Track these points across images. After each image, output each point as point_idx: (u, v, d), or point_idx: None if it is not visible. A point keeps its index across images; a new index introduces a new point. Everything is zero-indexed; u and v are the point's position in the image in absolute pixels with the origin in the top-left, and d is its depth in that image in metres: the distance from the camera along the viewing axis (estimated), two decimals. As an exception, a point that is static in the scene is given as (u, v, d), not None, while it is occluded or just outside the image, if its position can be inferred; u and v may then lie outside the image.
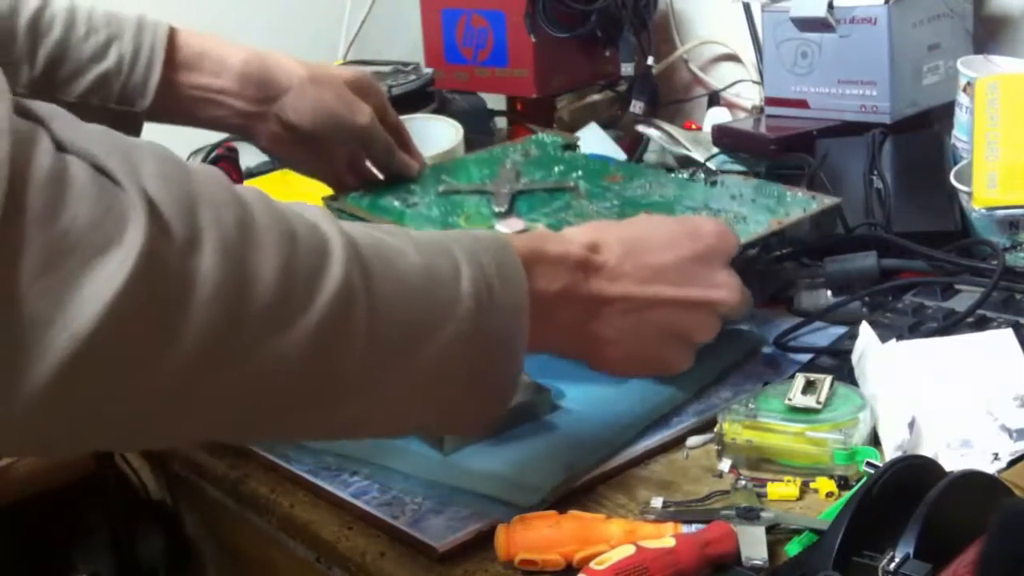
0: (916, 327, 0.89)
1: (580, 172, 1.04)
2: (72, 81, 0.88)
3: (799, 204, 0.95)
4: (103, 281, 0.42)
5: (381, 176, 1.03)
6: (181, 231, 0.46)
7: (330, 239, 0.53)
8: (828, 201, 0.97)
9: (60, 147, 0.44)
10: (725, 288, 0.74)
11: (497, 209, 0.95)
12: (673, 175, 1.05)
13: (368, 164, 1.03)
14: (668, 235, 0.74)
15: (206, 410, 0.49)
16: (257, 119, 0.93)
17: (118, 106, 0.89)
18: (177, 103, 0.91)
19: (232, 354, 0.47)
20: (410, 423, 0.63)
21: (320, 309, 0.50)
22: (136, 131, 0.93)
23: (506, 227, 0.92)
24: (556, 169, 1.05)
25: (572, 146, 1.13)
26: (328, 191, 1.03)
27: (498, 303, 0.59)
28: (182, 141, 1.20)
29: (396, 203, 0.98)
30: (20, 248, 0.41)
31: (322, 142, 0.96)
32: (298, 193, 1.32)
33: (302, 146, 0.96)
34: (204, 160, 1.09)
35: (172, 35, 0.91)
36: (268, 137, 0.95)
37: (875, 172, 1.09)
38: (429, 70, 1.54)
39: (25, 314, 0.41)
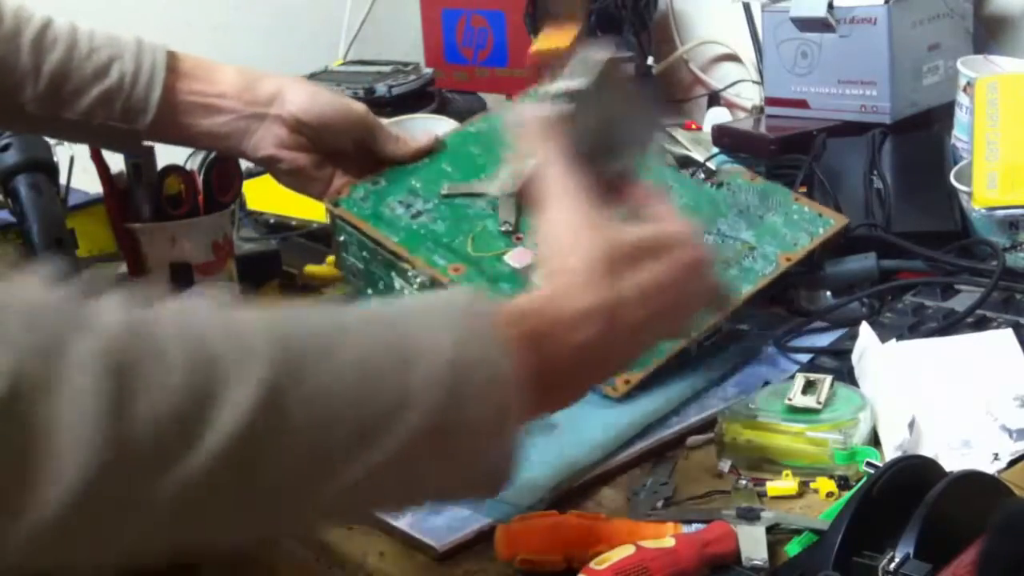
0: (916, 327, 0.89)
1: None
2: (76, 99, 0.89)
3: (806, 226, 0.95)
4: None
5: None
6: (36, 378, 0.44)
7: (233, 359, 0.48)
8: (836, 223, 0.96)
9: None
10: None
11: (503, 227, 0.93)
12: (674, 170, 1.03)
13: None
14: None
15: (123, 545, 0.47)
16: (257, 121, 0.93)
17: (120, 124, 0.90)
18: (177, 114, 0.92)
19: (119, 496, 0.45)
20: (386, 509, 0.60)
21: (220, 441, 0.46)
22: (137, 148, 0.94)
23: (515, 261, 0.90)
24: None
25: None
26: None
27: (469, 389, 0.53)
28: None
29: (400, 211, 0.96)
30: None
31: (324, 141, 0.96)
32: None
33: (302, 150, 0.95)
34: (204, 160, 1.09)
35: (171, 54, 0.93)
36: (271, 140, 0.94)
37: (875, 172, 1.09)
38: (429, 70, 1.54)
39: None
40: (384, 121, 1.02)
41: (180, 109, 0.92)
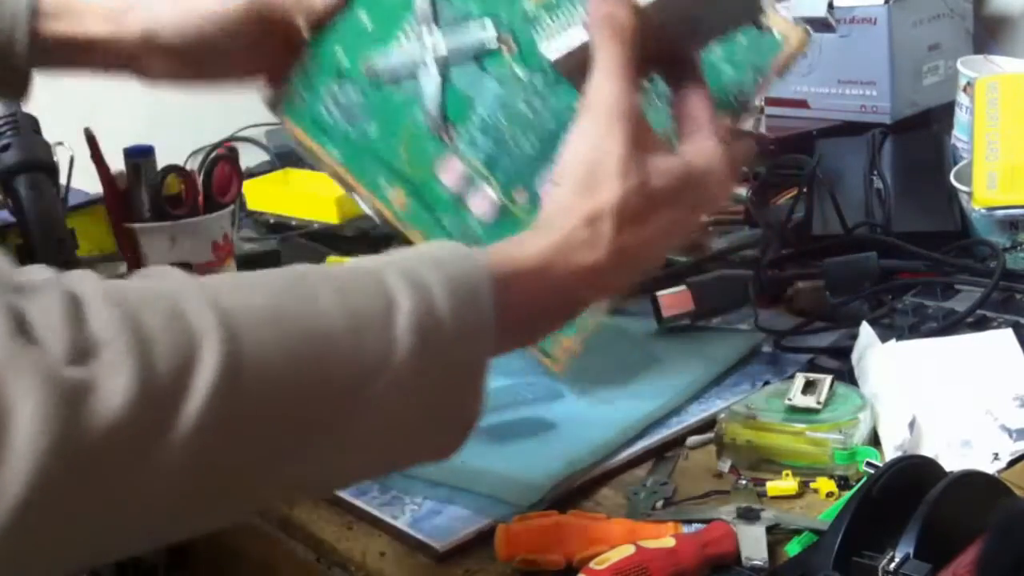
0: (916, 327, 0.89)
1: None
2: None
3: (752, 56, 0.74)
4: None
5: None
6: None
7: (198, 329, 0.46)
8: (790, 41, 0.74)
9: None
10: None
11: (430, 123, 0.81)
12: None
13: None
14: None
15: (96, 533, 0.46)
16: (136, 60, 0.85)
17: None
18: (53, 59, 0.85)
19: (79, 486, 0.43)
20: (361, 475, 0.59)
21: (193, 416, 0.45)
22: (23, 90, 0.86)
23: (448, 178, 0.79)
24: None
25: None
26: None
27: (448, 333, 0.53)
28: (182, 141, 1.20)
29: (335, 110, 0.84)
30: None
31: (220, 54, 0.85)
32: (298, 193, 1.32)
33: (200, 67, 0.85)
34: (204, 160, 1.09)
35: None
36: (161, 73, 0.85)
37: (875, 172, 1.09)
38: (429, 70, 1.53)
39: None
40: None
41: (54, 54, 0.84)
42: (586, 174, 0.60)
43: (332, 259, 1.11)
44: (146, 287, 0.49)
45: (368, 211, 0.83)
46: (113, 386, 0.43)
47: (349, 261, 0.57)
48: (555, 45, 0.64)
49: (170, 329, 0.46)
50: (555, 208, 0.60)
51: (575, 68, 0.63)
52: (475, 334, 0.54)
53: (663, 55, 0.63)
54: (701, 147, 0.63)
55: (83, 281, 0.47)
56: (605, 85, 0.61)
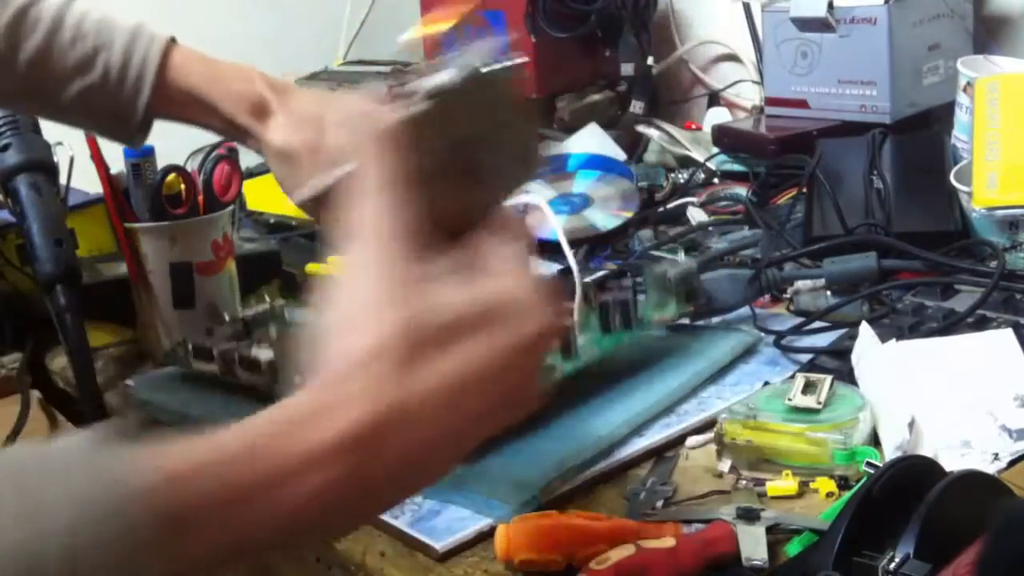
0: (916, 327, 0.89)
1: None
2: (58, 91, 0.81)
3: None
4: None
5: None
6: None
7: None
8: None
9: None
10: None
11: None
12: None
13: None
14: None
15: None
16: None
17: (107, 120, 0.83)
18: (172, 114, 0.84)
19: None
20: None
21: None
22: (132, 145, 0.87)
23: None
24: None
25: None
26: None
27: None
28: (182, 142, 1.20)
29: None
30: None
31: None
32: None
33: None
34: (204, 160, 1.09)
35: (168, 50, 0.83)
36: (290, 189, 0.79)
37: (875, 172, 1.09)
38: (429, 70, 1.53)
39: None
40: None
41: (175, 109, 0.83)
42: (355, 313, 0.47)
43: (332, 260, 1.11)
44: None
45: None
46: None
47: None
48: (305, 189, 0.56)
49: None
50: (316, 371, 0.46)
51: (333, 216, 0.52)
52: None
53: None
54: (508, 259, 0.50)
55: None
56: (368, 203, 0.48)
